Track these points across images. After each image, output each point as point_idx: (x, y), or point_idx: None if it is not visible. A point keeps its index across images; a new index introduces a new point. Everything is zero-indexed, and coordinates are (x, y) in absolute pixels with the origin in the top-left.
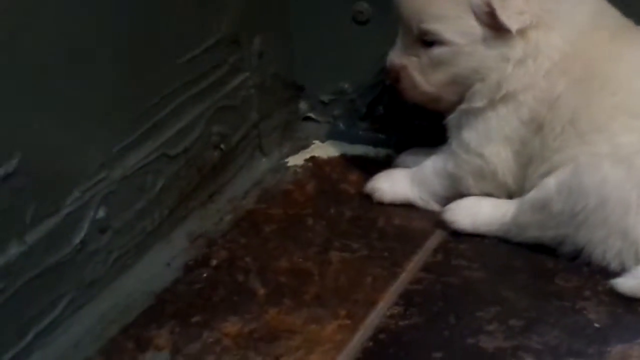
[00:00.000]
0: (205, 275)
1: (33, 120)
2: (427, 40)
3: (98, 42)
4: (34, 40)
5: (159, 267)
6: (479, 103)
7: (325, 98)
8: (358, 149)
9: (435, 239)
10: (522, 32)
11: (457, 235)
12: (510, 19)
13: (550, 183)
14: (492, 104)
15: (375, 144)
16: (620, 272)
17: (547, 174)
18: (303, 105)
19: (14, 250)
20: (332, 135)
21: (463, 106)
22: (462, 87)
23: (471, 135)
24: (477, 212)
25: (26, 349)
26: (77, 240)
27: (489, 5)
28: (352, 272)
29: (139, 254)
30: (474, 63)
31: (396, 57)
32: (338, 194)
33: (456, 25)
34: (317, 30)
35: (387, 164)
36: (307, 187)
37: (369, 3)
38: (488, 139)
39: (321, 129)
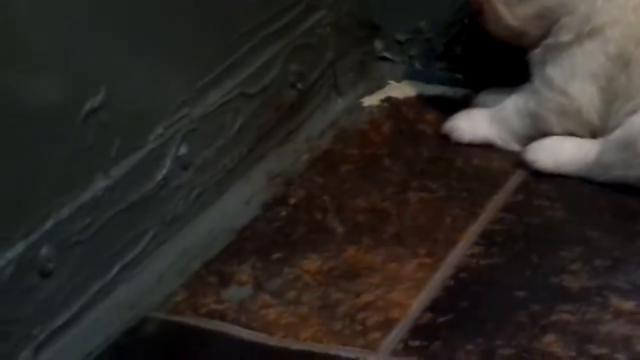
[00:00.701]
0: (284, 213)
1: (117, 57)
2: None
3: None
4: None
5: (238, 204)
6: (565, 37)
7: (401, 37)
8: (435, 89)
9: (515, 179)
10: None
11: (539, 175)
12: None
13: (636, 121)
14: (579, 38)
15: (452, 83)
16: None
17: (633, 112)
18: (378, 45)
19: (101, 184)
20: (408, 75)
21: (548, 41)
22: (549, 21)
23: (555, 71)
24: (559, 152)
25: (111, 282)
26: (160, 176)
27: None
28: (430, 212)
29: (219, 192)
30: None
31: None
32: (415, 134)
33: None
34: None
35: (464, 104)
36: (384, 128)
37: None
38: (573, 75)
39: (397, 69)
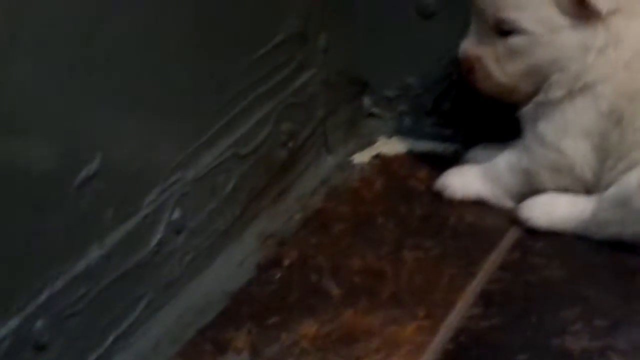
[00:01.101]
0: (278, 275)
1: (111, 123)
2: (504, 30)
3: (173, 43)
4: (112, 41)
5: (232, 267)
6: (557, 94)
7: (390, 93)
8: (425, 145)
9: (510, 236)
10: (604, 18)
11: (533, 232)
12: (599, 1)
13: (631, 179)
14: (570, 95)
15: (442, 139)
16: None
17: (627, 169)
18: (367, 101)
19: (95, 254)
20: (398, 132)
21: (539, 98)
22: (539, 78)
23: (547, 127)
24: (553, 209)
25: (107, 353)
26: (154, 242)
27: None
28: (427, 272)
29: (213, 255)
30: (553, 53)
31: (470, 46)
32: (407, 191)
33: (535, 13)
34: (382, 24)
35: (455, 160)
36: (375, 185)
37: None
38: (565, 132)
39: (386, 125)
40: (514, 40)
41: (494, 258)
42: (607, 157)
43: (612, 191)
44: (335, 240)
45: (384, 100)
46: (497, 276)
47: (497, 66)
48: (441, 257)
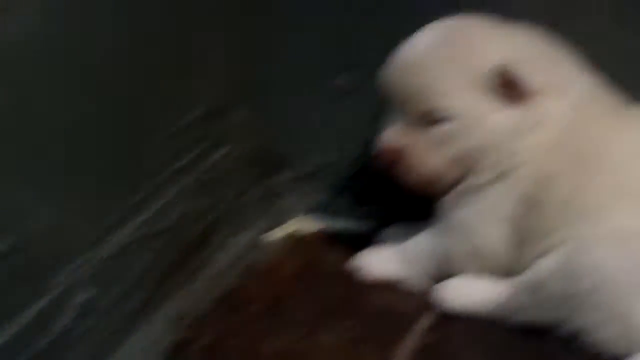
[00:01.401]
0: (191, 358)
1: (21, 201)
2: (433, 118)
3: (85, 120)
4: (23, 119)
5: (143, 350)
6: (485, 178)
7: (306, 171)
8: (340, 223)
9: (427, 318)
10: (533, 99)
11: (449, 315)
12: (531, 81)
13: (545, 264)
14: (494, 179)
15: (358, 218)
16: (623, 355)
17: (543, 254)
18: (283, 178)
19: (3, 335)
20: (313, 209)
21: (464, 185)
22: (469, 163)
23: (468, 214)
24: (470, 292)
25: None
26: (62, 324)
27: (503, 74)
28: (342, 356)
29: (122, 338)
30: (483, 138)
31: (394, 137)
32: (322, 271)
33: (464, 100)
34: (299, 102)
35: (371, 238)
36: (290, 264)
37: (352, 75)
38: (486, 218)
39: (302, 203)
40: (444, 128)
41: (412, 341)
42: (524, 242)
43: (527, 276)
44: (249, 321)
45: (300, 177)
46: None
47: (426, 155)
48: (358, 340)
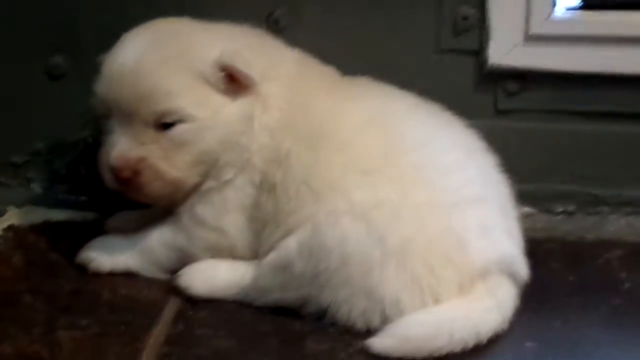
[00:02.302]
0: None
1: None
2: (166, 122)
3: None
4: None
5: None
6: (228, 175)
7: (17, 160)
8: (61, 214)
9: (171, 307)
10: (255, 87)
11: (194, 301)
12: (250, 70)
13: (290, 243)
14: (235, 175)
15: (78, 207)
16: (367, 331)
17: (285, 235)
18: None
19: None
20: (29, 200)
21: (207, 185)
22: (210, 164)
23: (206, 210)
24: (213, 276)
25: None
26: None
27: (223, 67)
28: (88, 353)
29: None
30: (220, 133)
31: (127, 150)
32: (50, 265)
33: (194, 97)
34: (8, 87)
35: (98, 229)
36: (14, 260)
37: (64, 57)
38: (224, 211)
39: (15, 194)
40: (179, 130)
41: (158, 332)
42: (264, 227)
43: (271, 257)
44: None
45: (10, 167)
46: (165, 351)
47: (167, 162)
48: (101, 335)
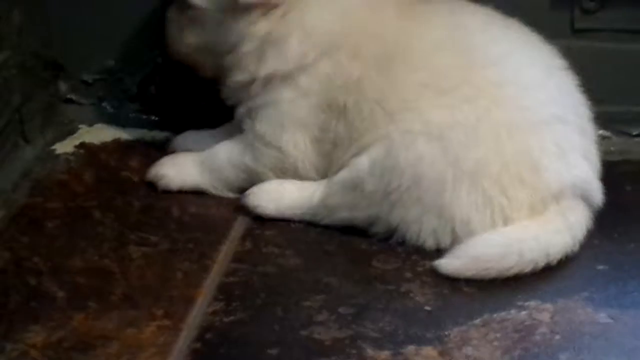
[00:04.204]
0: None
1: None
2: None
3: None
4: None
5: None
6: (239, 77)
7: (88, 78)
8: (132, 133)
9: (239, 225)
10: (265, 11)
11: (262, 220)
12: None
13: (363, 162)
14: (272, 86)
15: (149, 126)
16: (436, 251)
17: (357, 154)
18: (63, 86)
19: None
20: (100, 119)
21: (262, 99)
22: (214, 56)
23: (264, 126)
24: (281, 196)
25: None
26: None
27: None
28: (158, 268)
29: None
30: (219, 32)
31: (170, 10)
32: (121, 182)
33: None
34: (78, 3)
35: (166, 147)
36: (85, 177)
37: None
38: (282, 128)
39: (86, 112)
40: (190, 13)
41: (226, 249)
42: (334, 149)
43: (342, 175)
44: (50, 239)
45: (81, 85)
46: (232, 268)
47: (178, 34)
48: (170, 252)
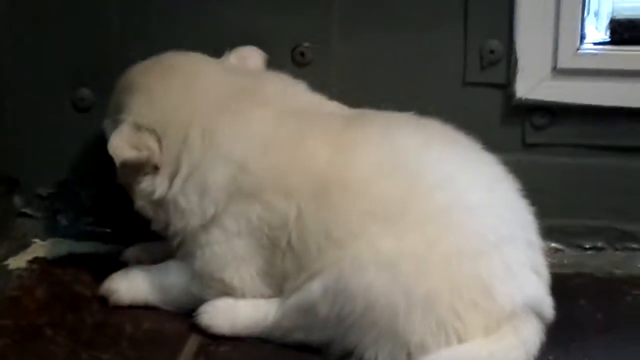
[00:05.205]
0: None
1: None
2: None
3: None
4: None
5: None
6: (154, 225)
7: (43, 191)
8: (86, 246)
9: (193, 342)
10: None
11: (217, 336)
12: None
13: (314, 287)
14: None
15: (104, 239)
16: None
17: (308, 280)
18: (18, 200)
19: None
20: (55, 232)
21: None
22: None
23: (204, 264)
24: (235, 315)
25: None
26: None
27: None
28: None
29: None
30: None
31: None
32: (74, 298)
33: None
34: (34, 119)
35: (120, 261)
36: (37, 293)
37: (91, 89)
38: (223, 265)
39: (41, 226)
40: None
41: None
42: (283, 280)
43: (295, 299)
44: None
45: (36, 199)
46: None
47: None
48: None
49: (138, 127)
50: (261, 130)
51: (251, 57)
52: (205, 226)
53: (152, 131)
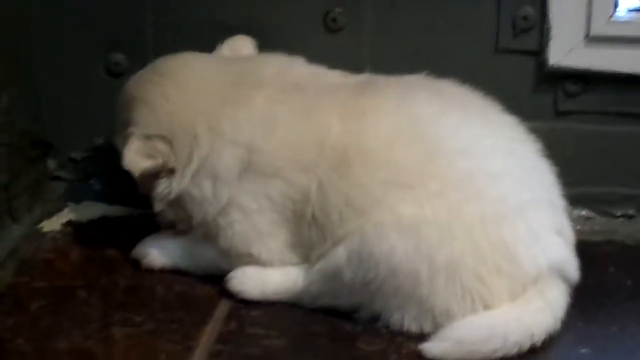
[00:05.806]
0: None
1: None
2: None
3: None
4: None
5: None
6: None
7: (76, 155)
8: (119, 210)
9: (224, 306)
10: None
11: (247, 301)
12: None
13: (340, 252)
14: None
15: (137, 204)
16: (420, 334)
17: (334, 245)
18: (51, 164)
19: None
20: (88, 196)
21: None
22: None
23: (228, 243)
24: (265, 281)
25: None
26: None
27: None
28: (141, 349)
29: None
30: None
31: None
32: (107, 261)
33: None
34: (68, 83)
35: (155, 224)
36: (71, 255)
37: (125, 54)
38: (248, 241)
39: (74, 190)
40: None
41: (211, 330)
42: (310, 249)
43: (321, 264)
44: (34, 320)
45: (69, 163)
46: (216, 350)
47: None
48: (154, 332)
49: (148, 137)
50: (264, 112)
51: (243, 46)
52: (223, 209)
53: (162, 137)
